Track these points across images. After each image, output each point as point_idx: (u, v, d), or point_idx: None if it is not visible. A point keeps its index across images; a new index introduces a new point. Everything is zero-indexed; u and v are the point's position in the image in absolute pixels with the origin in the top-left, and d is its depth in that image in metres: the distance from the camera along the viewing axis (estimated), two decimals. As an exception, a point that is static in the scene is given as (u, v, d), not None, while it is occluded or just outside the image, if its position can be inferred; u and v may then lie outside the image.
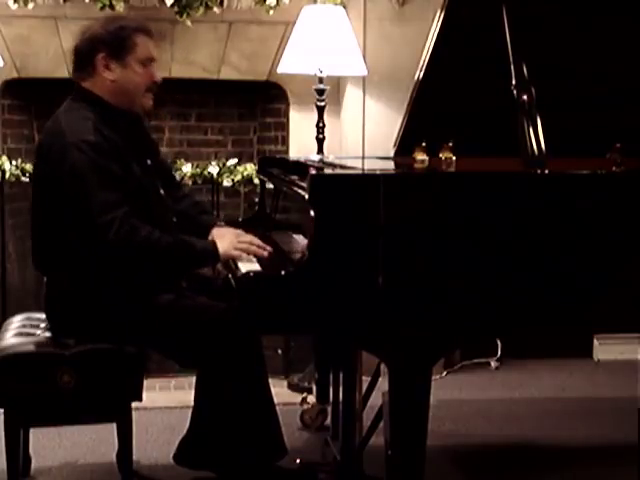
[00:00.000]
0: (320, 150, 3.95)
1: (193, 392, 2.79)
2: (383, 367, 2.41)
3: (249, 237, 2.74)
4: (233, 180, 4.33)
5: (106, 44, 2.73)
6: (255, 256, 2.66)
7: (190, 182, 4.32)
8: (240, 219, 3.73)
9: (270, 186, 3.39)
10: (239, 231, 2.84)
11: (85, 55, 2.76)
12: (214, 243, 2.68)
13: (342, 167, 3.03)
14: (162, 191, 2.85)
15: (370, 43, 4.17)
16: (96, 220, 2.53)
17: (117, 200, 2.55)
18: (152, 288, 2.71)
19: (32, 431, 3.06)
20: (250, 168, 4.30)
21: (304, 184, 2.46)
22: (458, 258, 2.35)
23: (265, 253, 2.64)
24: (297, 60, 3.89)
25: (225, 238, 2.73)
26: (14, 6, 3.96)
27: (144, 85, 2.79)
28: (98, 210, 2.53)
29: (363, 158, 3.97)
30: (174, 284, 2.81)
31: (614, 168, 2.62)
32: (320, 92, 3.92)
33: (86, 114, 2.70)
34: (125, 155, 2.68)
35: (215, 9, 4.07)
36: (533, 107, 2.56)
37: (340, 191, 2.36)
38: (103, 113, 2.73)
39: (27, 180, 4.21)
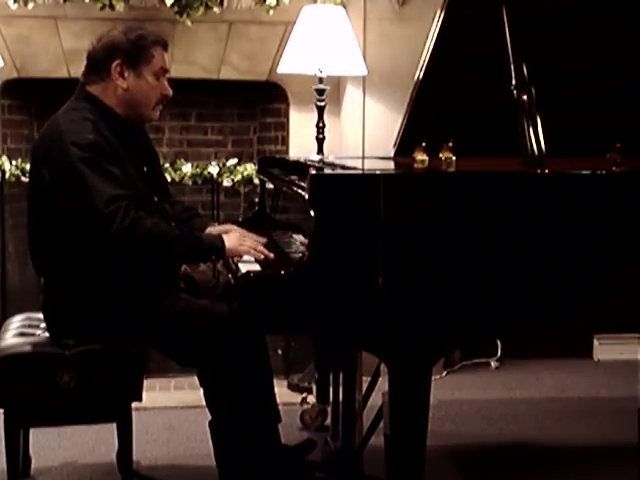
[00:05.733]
0: (320, 150, 3.95)
1: (193, 392, 2.79)
2: (383, 367, 2.41)
3: (254, 237, 2.75)
4: (233, 180, 4.33)
5: (124, 52, 2.73)
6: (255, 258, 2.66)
7: (190, 182, 4.33)
8: (240, 219, 3.74)
9: (270, 186, 3.40)
10: (244, 230, 2.85)
11: (101, 59, 2.75)
12: (221, 237, 2.69)
13: (342, 167, 3.03)
14: (155, 198, 2.85)
15: (370, 43, 4.17)
16: (101, 212, 2.51)
17: (120, 194, 2.55)
18: (153, 288, 2.71)
19: (32, 431, 3.05)
20: (250, 168, 4.31)
21: (304, 184, 2.46)
22: (458, 258, 2.35)
23: (270, 256, 2.65)
24: (297, 60, 3.89)
25: (232, 235, 2.74)
26: (14, 6, 3.96)
27: (155, 97, 2.80)
28: (102, 203, 2.52)
29: (363, 158, 3.99)
30: (174, 285, 2.82)
31: (614, 168, 2.62)
32: (320, 92, 3.92)
33: (86, 115, 2.69)
34: (123, 158, 2.68)
35: (215, 9, 4.08)
36: (533, 107, 2.56)
37: (340, 191, 2.36)
38: (104, 115, 2.72)
39: (27, 180, 4.21)
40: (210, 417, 2.72)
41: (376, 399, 2.90)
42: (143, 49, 2.76)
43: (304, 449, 3.04)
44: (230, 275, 2.66)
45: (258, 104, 4.55)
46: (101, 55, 2.76)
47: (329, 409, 3.45)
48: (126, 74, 2.74)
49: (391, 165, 3.20)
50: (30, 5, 3.97)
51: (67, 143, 2.60)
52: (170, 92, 2.83)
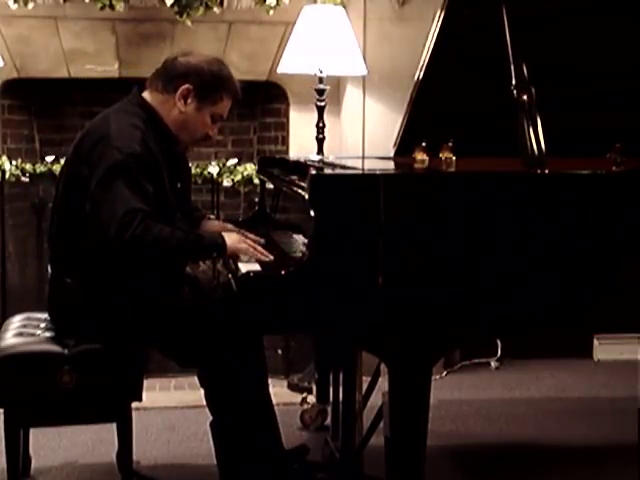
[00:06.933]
0: (320, 150, 3.95)
1: (193, 392, 2.79)
2: (383, 367, 2.41)
3: (253, 238, 2.76)
4: (233, 180, 4.33)
5: (200, 80, 2.74)
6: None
7: (190, 182, 4.33)
8: (240, 219, 3.74)
9: (270, 186, 3.40)
10: (242, 231, 2.85)
11: (175, 75, 2.75)
12: (221, 235, 2.69)
13: (342, 167, 3.03)
14: (178, 215, 2.86)
15: (370, 43, 4.17)
16: (118, 220, 2.51)
17: (140, 208, 2.54)
18: (154, 289, 2.71)
19: (32, 431, 3.05)
20: (250, 168, 4.31)
21: (304, 184, 2.46)
22: (458, 258, 2.35)
23: (266, 259, 2.64)
24: (297, 60, 3.89)
25: (232, 234, 2.75)
26: (14, 6, 3.95)
27: (201, 134, 2.81)
28: (122, 212, 2.52)
29: (363, 158, 3.98)
30: (175, 286, 2.82)
31: (614, 168, 2.62)
32: (320, 92, 3.92)
33: (137, 122, 2.69)
34: (162, 171, 2.68)
35: (215, 9, 4.07)
36: (533, 107, 2.56)
37: (340, 191, 2.36)
38: (154, 126, 2.72)
39: (27, 180, 4.22)
40: (211, 417, 2.72)
41: (376, 399, 2.90)
42: (217, 89, 2.77)
43: (296, 455, 3.02)
44: (230, 275, 2.66)
45: (258, 104, 4.55)
46: (178, 71, 2.76)
47: (329, 409, 3.45)
48: (189, 101, 2.75)
49: (391, 165, 3.20)
50: (30, 5, 3.96)
51: (112, 147, 2.59)
52: (216, 137, 2.89)
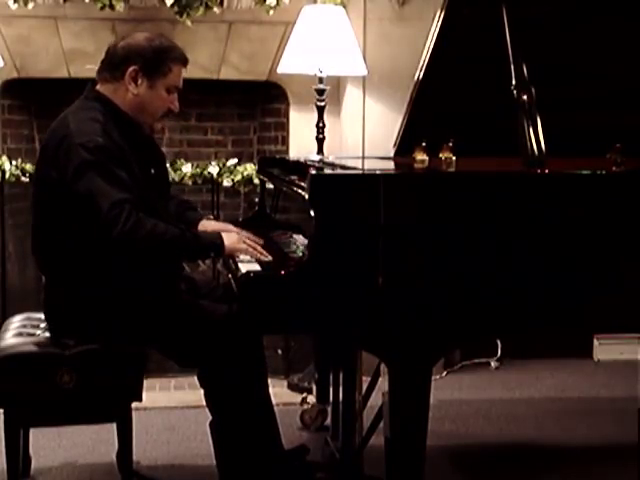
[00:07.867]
0: (320, 150, 3.95)
1: (193, 392, 2.79)
2: (383, 367, 2.41)
3: (252, 237, 2.76)
4: (233, 180, 4.33)
5: (143, 59, 2.72)
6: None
7: (190, 182, 4.33)
8: (240, 219, 3.74)
9: (270, 186, 3.40)
10: (241, 230, 2.85)
11: (118, 61, 2.74)
12: (220, 235, 2.69)
13: (342, 167, 3.03)
14: (162, 202, 2.85)
15: (370, 43, 4.17)
16: (105, 215, 2.51)
17: (124, 198, 2.54)
18: (153, 289, 2.71)
19: (32, 431, 3.05)
20: (250, 168, 4.31)
21: (304, 184, 2.46)
22: (458, 258, 2.35)
23: (266, 259, 2.64)
24: (297, 60, 3.89)
25: (231, 233, 2.75)
26: (14, 6, 3.96)
27: (161, 110, 2.80)
28: (106, 206, 2.52)
29: (363, 158, 3.99)
30: (174, 285, 2.82)
31: (614, 168, 2.62)
32: (320, 92, 3.92)
33: (96, 115, 2.68)
34: (130, 161, 2.67)
35: (215, 9, 4.08)
36: (533, 107, 2.56)
37: (340, 191, 2.36)
38: (113, 116, 2.72)
39: (27, 180, 4.22)
40: (211, 417, 2.72)
41: (376, 399, 2.90)
42: (163, 61, 2.74)
43: (296, 455, 3.02)
44: (230, 275, 2.66)
45: (258, 104, 4.55)
46: (120, 56, 2.74)
47: (329, 409, 3.45)
48: (139, 81, 2.73)
49: (391, 165, 3.20)
50: (30, 5, 3.97)
51: (75, 145, 2.59)
52: (177, 108, 2.84)
